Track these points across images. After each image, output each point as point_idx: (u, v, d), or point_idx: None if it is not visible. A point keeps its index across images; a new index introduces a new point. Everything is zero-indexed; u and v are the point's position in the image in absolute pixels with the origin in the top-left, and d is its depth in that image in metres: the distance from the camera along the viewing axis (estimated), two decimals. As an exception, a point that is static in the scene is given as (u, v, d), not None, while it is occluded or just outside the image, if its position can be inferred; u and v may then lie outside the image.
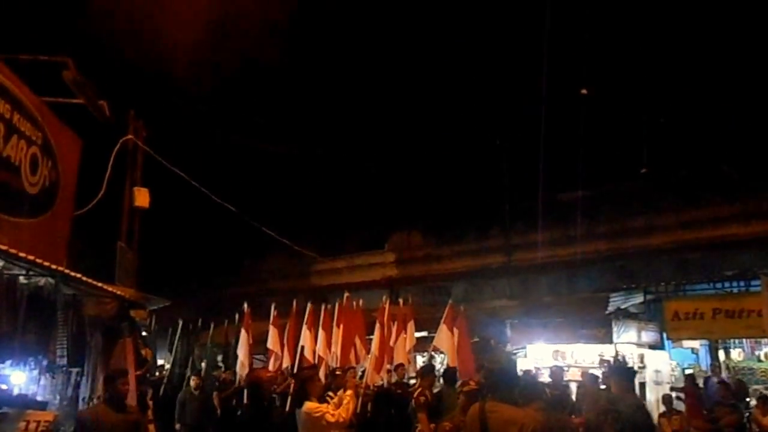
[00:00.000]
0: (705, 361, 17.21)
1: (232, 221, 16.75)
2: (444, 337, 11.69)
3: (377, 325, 11.49)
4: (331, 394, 8.06)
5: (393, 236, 21.90)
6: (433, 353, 14.42)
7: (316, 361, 13.00)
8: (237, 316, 16.14)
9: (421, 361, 14.87)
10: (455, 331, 11.80)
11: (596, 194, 18.22)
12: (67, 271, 8.40)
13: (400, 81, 19.44)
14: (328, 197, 22.37)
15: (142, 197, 11.78)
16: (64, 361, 8.76)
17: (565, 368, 14.50)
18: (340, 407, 6.75)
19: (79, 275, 8.76)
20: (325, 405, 6.61)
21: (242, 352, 14.89)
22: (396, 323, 12.24)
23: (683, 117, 17.78)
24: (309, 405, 6.43)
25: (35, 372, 8.52)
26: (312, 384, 6.83)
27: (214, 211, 15.68)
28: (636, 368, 15.29)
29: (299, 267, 22.56)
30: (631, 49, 17.82)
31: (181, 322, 17.28)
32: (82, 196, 11.44)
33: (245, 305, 15.57)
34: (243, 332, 15.06)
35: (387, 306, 12.11)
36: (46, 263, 7.99)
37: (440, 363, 14.89)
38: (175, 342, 17.20)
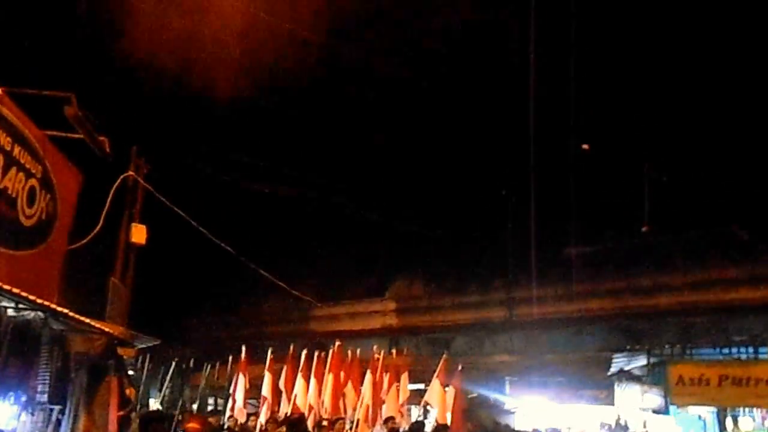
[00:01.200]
0: (713, 429, 16.80)
1: (232, 262, 16.80)
2: (436, 392, 11.55)
3: (368, 376, 11.37)
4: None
5: (394, 284, 21.84)
6: (428, 407, 14.21)
7: (307, 410, 12.86)
8: (231, 358, 16.02)
9: (416, 414, 14.65)
10: (450, 387, 11.63)
11: (602, 250, 18.16)
12: (53, 306, 8.42)
13: (407, 129, 19.68)
14: (331, 242, 22.44)
15: (139, 234, 11.86)
16: (45, 397, 8.72)
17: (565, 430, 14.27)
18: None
19: (66, 311, 8.78)
20: None
21: (240, 396, 14.74)
22: (389, 374, 12.11)
23: (694, 175, 17.80)
24: None
25: (15, 407, 8.46)
26: None
27: (216, 252, 15.75)
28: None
29: (299, 311, 22.47)
30: (643, 106, 18.00)
31: (174, 362, 17.16)
32: (79, 229, 11.57)
33: (243, 348, 15.47)
34: (241, 376, 14.94)
35: (381, 356, 12.00)
36: (33, 298, 8.01)
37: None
38: (166, 382, 17.05)
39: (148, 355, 17.66)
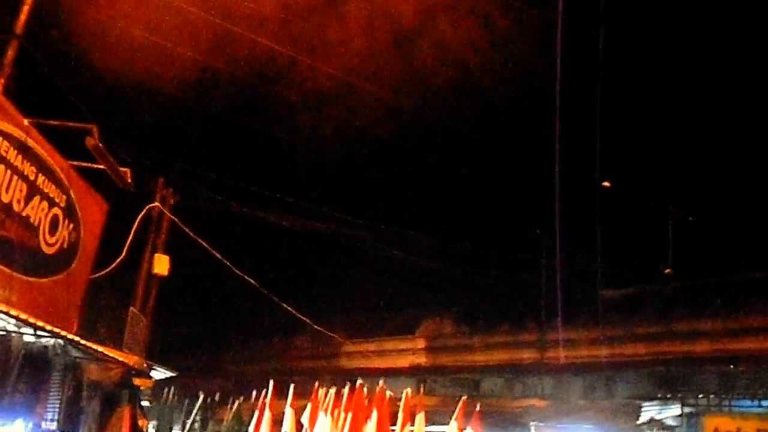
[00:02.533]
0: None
1: (263, 296, 16.97)
2: (453, 434, 11.26)
3: (374, 413, 11.22)
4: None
5: (424, 322, 21.64)
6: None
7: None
8: (255, 393, 16.02)
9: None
10: (469, 430, 11.35)
11: (637, 293, 17.70)
12: (65, 333, 8.60)
13: (439, 167, 19.74)
14: (362, 279, 22.46)
15: (161, 264, 12.09)
16: (54, 425, 8.86)
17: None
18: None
19: (78, 339, 8.96)
20: None
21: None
22: (402, 414, 11.88)
23: (735, 217, 17.30)
24: None
25: (29, 433, 8.61)
26: None
27: (246, 286, 15.95)
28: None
29: (328, 347, 22.42)
30: (681, 147, 17.68)
31: (201, 395, 17.24)
32: (107, 258, 11.86)
33: (270, 383, 15.47)
34: (267, 411, 14.91)
35: (385, 395, 11.85)
36: (41, 324, 8.21)
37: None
38: (192, 416, 17.10)
39: (170, 387, 17.84)
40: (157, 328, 13.06)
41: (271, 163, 19.54)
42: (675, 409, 15.29)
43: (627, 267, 17.43)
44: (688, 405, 15.24)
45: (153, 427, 15.33)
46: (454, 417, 11.44)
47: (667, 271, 16.70)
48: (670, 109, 17.20)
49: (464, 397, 11.90)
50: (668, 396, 15.26)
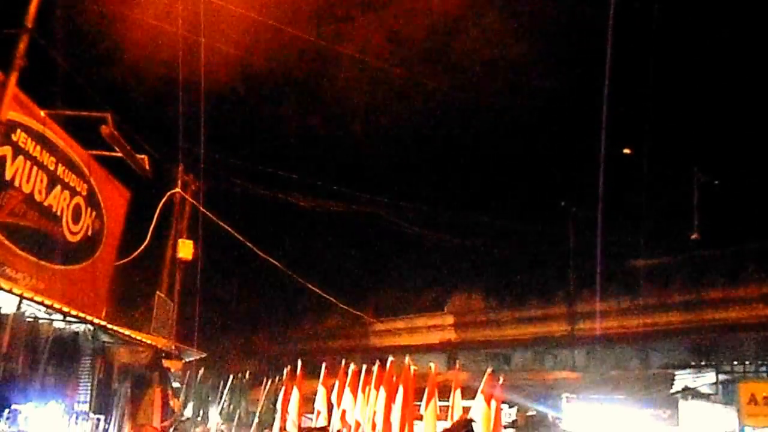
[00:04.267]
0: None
1: (292, 278, 17.28)
2: (480, 408, 11.43)
3: (400, 389, 11.45)
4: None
5: (453, 298, 21.76)
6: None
7: (354, 425, 13.07)
8: (285, 371, 16.42)
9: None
10: (492, 402, 11.52)
11: (669, 262, 17.52)
12: (93, 319, 8.97)
13: (466, 142, 19.70)
14: (390, 257, 22.64)
15: (185, 249, 12.42)
16: (86, 407, 9.28)
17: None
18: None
19: (106, 324, 9.32)
20: None
21: (294, 410, 15.10)
22: (427, 391, 12.10)
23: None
24: None
25: (66, 417, 9.04)
26: None
27: (277, 270, 16.27)
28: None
29: (358, 326, 22.73)
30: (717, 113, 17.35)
31: (231, 376, 17.72)
32: (130, 244, 12.22)
33: (299, 362, 15.86)
34: (295, 390, 15.31)
35: (412, 372, 12.07)
36: (75, 312, 8.57)
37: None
38: (224, 396, 17.61)
39: (204, 369, 18.34)
40: (188, 312, 13.45)
41: (294, 144, 19.74)
42: (710, 377, 15.22)
43: (657, 236, 17.22)
44: (723, 372, 15.15)
45: (188, 408, 15.86)
46: (480, 390, 11.61)
47: (694, 236, 16.45)
48: (694, 70, 16.86)
49: (489, 370, 12.06)
50: (702, 364, 15.18)
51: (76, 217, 10.15)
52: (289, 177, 16.02)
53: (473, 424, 4.69)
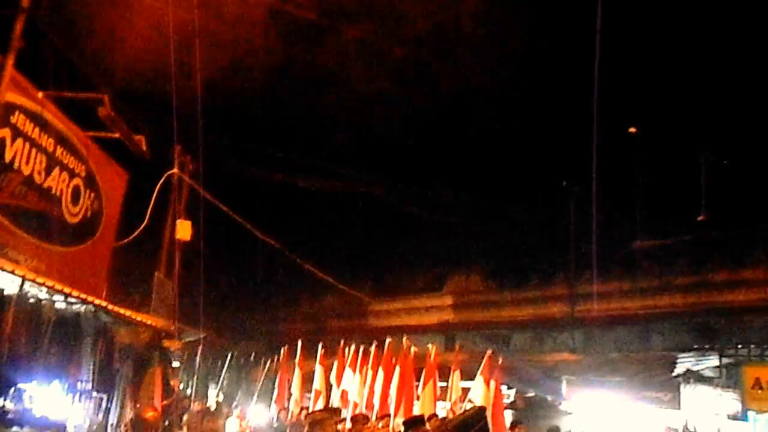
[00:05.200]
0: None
1: (290, 259, 17.51)
2: (480, 390, 11.71)
3: (398, 369, 11.75)
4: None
5: (452, 279, 22.01)
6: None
7: (352, 405, 13.39)
8: (282, 352, 16.74)
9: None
10: (492, 384, 11.80)
11: (673, 244, 17.68)
12: (93, 300, 9.19)
13: (464, 121, 19.76)
14: (388, 237, 22.83)
15: (184, 230, 12.60)
16: (88, 386, 9.54)
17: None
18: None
19: (106, 304, 9.55)
20: None
21: (296, 389, 15.46)
22: (425, 372, 12.39)
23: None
24: None
25: (69, 396, 9.31)
26: (321, 428, 6.85)
27: (276, 251, 16.49)
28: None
29: (356, 307, 22.99)
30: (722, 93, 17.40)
31: (229, 356, 18.04)
32: (131, 226, 12.41)
33: (299, 343, 16.18)
34: (297, 369, 15.65)
35: (409, 352, 12.34)
36: (76, 293, 8.79)
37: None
38: (222, 375, 17.95)
39: (203, 348, 18.64)
40: (187, 293, 13.68)
41: (292, 124, 19.79)
42: (713, 360, 15.47)
43: (661, 217, 17.38)
44: (727, 355, 15.39)
45: (187, 387, 16.19)
46: (479, 371, 11.88)
47: (701, 218, 16.60)
48: (703, 47, 16.88)
49: (489, 352, 12.33)
50: (706, 347, 15.42)
51: (75, 198, 10.33)
52: (287, 157, 16.17)
53: (485, 411, 4.88)
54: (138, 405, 10.35)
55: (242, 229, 15.11)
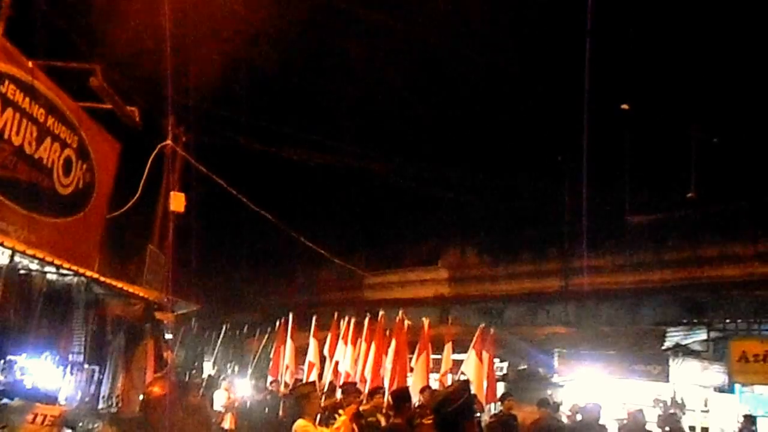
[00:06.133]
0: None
1: (289, 234, 17.51)
2: (472, 362, 11.79)
3: (393, 342, 11.79)
4: (341, 412, 8.30)
5: (447, 252, 22.07)
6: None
7: (344, 376, 13.48)
8: (277, 324, 16.83)
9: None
10: (484, 356, 11.87)
11: (665, 219, 17.73)
12: (85, 272, 9.15)
13: (460, 96, 19.66)
14: (385, 210, 22.85)
15: (177, 202, 12.55)
16: (80, 358, 9.54)
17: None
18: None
19: (98, 276, 9.52)
20: (312, 426, 6.40)
21: (291, 361, 15.54)
22: (419, 344, 12.45)
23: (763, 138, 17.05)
24: (299, 423, 6.36)
25: (60, 368, 9.30)
26: (307, 401, 6.70)
27: (273, 224, 16.46)
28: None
29: (352, 280, 23.09)
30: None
31: (224, 328, 18.13)
32: (123, 197, 12.36)
33: (290, 315, 16.27)
34: (289, 341, 15.73)
35: (404, 325, 12.40)
36: (67, 264, 8.75)
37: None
38: (218, 347, 18.06)
39: (198, 321, 18.76)
40: (182, 265, 13.69)
41: (288, 98, 19.67)
42: (701, 334, 15.62)
43: (653, 192, 17.42)
44: (715, 330, 15.55)
45: (182, 359, 16.33)
46: (472, 345, 11.95)
47: (690, 195, 16.64)
48: (693, 25, 16.76)
49: (482, 326, 12.40)
50: (694, 321, 15.55)
51: (67, 169, 10.22)
52: (282, 130, 16.07)
53: (469, 384, 4.88)
54: (135, 380, 10.36)
55: (239, 203, 15.09)
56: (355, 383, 11.78)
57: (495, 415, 11.19)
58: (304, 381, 14.06)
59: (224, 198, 15.02)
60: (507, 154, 20.10)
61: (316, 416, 7.00)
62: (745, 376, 14.69)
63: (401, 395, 7.29)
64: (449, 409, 3.79)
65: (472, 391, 10.95)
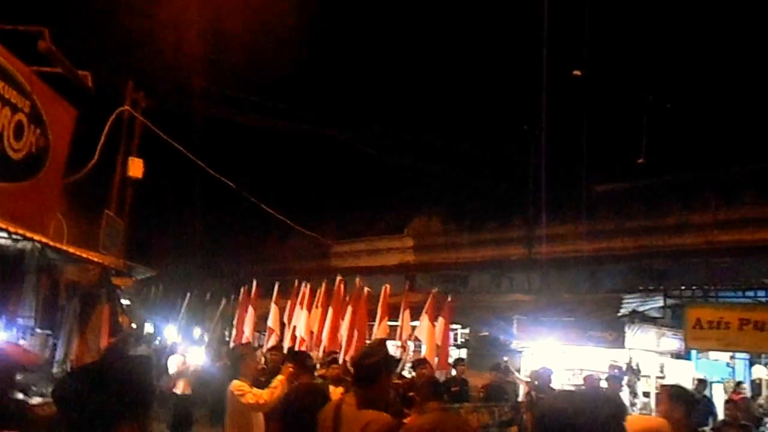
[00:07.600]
0: (742, 377, 16.84)
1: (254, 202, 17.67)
2: (424, 327, 12.14)
3: (349, 309, 12.10)
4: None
5: (413, 221, 22.40)
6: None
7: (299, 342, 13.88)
8: (241, 292, 17.11)
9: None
10: (439, 320, 12.23)
11: (628, 187, 18.12)
12: (36, 236, 9.30)
13: (425, 64, 19.80)
14: (351, 180, 23.07)
15: (135, 167, 12.68)
16: (31, 322, 9.74)
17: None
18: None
19: (50, 242, 9.68)
20: (248, 385, 6.56)
21: (248, 327, 15.90)
22: (381, 310, 12.79)
23: (734, 108, 17.42)
24: (234, 383, 6.54)
25: (10, 332, 9.48)
26: (244, 363, 6.85)
27: (238, 193, 16.60)
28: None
29: (319, 248, 23.37)
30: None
31: (189, 294, 18.38)
32: (80, 163, 12.44)
33: (254, 283, 16.56)
34: (250, 308, 16.04)
35: (363, 292, 12.69)
36: (13, 228, 8.88)
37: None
38: (182, 313, 18.31)
39: (158, 286, 18.93)
40: (141, 232, 13.84)
41: (253, 65, 19.66)
42: (658, 301, 16.06)
43: (614, 161, 17.78)
44: (672, 297, 15.98)
45: (142, 324, 16.53)
46: (424, 310, 12.30)
47: (640, 161, 16.98)
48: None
49: (434, 290, 12.76)
50: (651, 288, 15.98)
51: (18, 134, 10.27)
52: (246, 98, 16.14)
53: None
54: (90, 344, 10.59)
55: (203, 172, 15.18)
56: (336, 352, 12.10)
57: (447, 379, 11.58)
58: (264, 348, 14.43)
59: (188, 166, 15.11)
60: (472, 123, 20.35)
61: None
62: (699, 342, 15.12)
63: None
64: (366, 361, 4.09)
65: (422, 355, 11.37)
